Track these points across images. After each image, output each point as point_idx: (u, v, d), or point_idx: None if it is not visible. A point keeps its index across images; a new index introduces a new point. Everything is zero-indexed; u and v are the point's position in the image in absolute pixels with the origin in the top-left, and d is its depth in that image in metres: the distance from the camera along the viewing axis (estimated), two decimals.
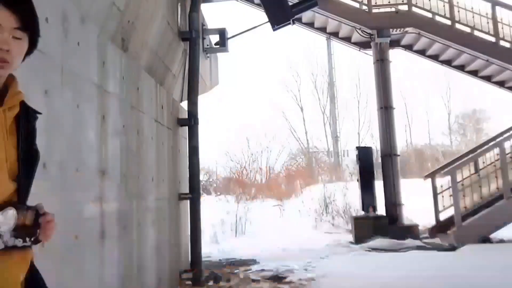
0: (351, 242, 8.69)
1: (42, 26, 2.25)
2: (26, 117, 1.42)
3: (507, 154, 8.30)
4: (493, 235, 8.00)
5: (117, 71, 3.29)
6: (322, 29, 10.38)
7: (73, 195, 2.48)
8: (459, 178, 8.23)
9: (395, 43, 9.99)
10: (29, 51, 1.37)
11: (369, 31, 9.51)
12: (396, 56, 10.78)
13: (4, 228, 1.23)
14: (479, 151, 8.95)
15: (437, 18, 9.43)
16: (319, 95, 27.20)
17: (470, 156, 8.87)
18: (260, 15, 8.97)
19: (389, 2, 9.50)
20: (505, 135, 8.86)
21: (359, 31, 9.66)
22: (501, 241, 8.00)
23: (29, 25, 1.34)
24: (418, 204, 10.04)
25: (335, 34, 10.51)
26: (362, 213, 9.29)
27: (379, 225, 8.79)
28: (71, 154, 2.48)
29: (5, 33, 1.28)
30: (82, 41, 2.69)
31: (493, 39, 9.40)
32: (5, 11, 1.28)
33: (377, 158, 13.06)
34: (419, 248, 7.74)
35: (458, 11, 9.44)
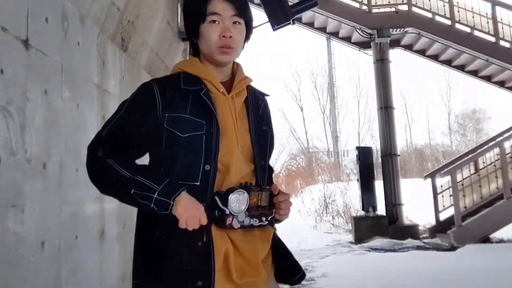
0: (351, 242, 8.69)
1: (42, 26, 2.26)
2: (254, 101, 1.49)
3: (507, 154, 8.30)
4: (493, 235, 8.01)
5: (117, 71, 3.29)
6: (322, 29, 10.38)
7: (73, 195, 2.48)
8: (459, 178, 8.23)
9: (395, 43, 9.99)
10: (247, 37, 1.47)
11: (369, 31, 9.51)
12: (396, 56, 10.78)
13: (237, 209, 1.29)
14: (479, 151, 8.95)
15: (437, 18, 9.43)
16: (319, 95, 27.23)
17: (470, 156, 8.86)
18: (260, 15, 8.98)
19: (389, 2, 9.50)
20: (505, 135, 8.86)
21: (359, 31, 9.66)
22: (501, 241, 8.01)
23: (244, 11, 1.42)
24: (418, 204, 10.03)
25: (335, 34, 10.51)
26: (362, 213, 9.29)
27: (379, 225, 8.79)
28: (71, 154, 2.48)
29: (226, 21, 1.39)
30: (82, 41, 2.69)
31: (493, 39, 9.40)
32: (224, 3, 1.39)
33: (377, 158, 13.07)
34: (419, 248, 7.74)
35: (458, 11, 9.44)
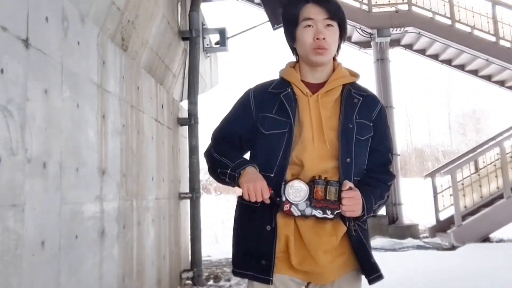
0: None
1: (42, 26, 2.26)
2: (348, 99, 1.56)
3: (507, 153, 8.30)
4: (493, 235, 8.01)
5: (117, 71, 3.29)
6: None
7: (73, 194, 2.48)
8: (459, 177, 8.24)
9: (395, 43, 9.99)
10: (341, 37, 1.60)
11: (369, 30, 9.51)
12: (396, 55, 10.78)
13: (293, 198, 1.43)
14: (479, 150, 8.96)
15: (437, 17, 9.44)
16: None
17: (470, 155, 8.87)
18: (260, 15, 8.98)
19: (389, 1, 9.50)
20: (505, 135, 8.86)
21: (359, 31, 9.66)
22: (501, 240, 8.01)
23: (335, 14, 1.56)
24: (418, 203, 10.04)
25: None
26: None
27: (379, 225, 8.80)
28: (71, 154, 2.48)
29: (319, 24, 1.52)
30: (82, 41, 2.69)
31: (493, 39, 9.40)
32: (316, 7, 1.53)
33: None
34: (419, 247, 7.74)
35: (458, 11, 9.44)
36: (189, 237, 5.24)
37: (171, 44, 4.95)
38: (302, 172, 1.48)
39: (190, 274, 5.02)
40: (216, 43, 6.57)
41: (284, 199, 1.44)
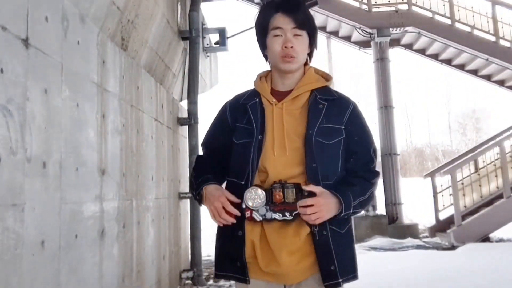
0: None
1: (42, 25, 2.26)
2: (315, 105, 1.59)
3: (507, 153, 8.30)
4: (493, 234, 8.01)
5: (117, 70, 3.29)
6: (322, 28, 10.38)
7: (73, 194, 2.48)
8: (459, 177, 8.23)
9: (395, 42, 9.99)
10: (312, 45, 1.64)
11: (369, 30, 9.51)
12: (396, 55, 10.78)
13: (252, 204, 1.50)
14: (479, 150, 8.95)
15: (437, 17, 9.43)
16: None
17: (470, 155, 8.86)
18: None
19: (389, 1, 9.50)
20: (505, 134, 8.86)
21: (359, 30, 9.66)
22: (501, 240, 8.01)
23: (304, 24, 1.58)
24: (418, 203, 10.04)
25: (335, 33, 10.51)
26: (362, 212, 9.28)
27: (379, 224, 8.79)
28: (71, 153, 2.48)
29: (288, 33, 1.56)
30: (82, 40, 2.69)
31: (493, 39, 9.40)
32: (285, 17, 1.57)
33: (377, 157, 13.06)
34: (418, 247, 7.75)
35: (458, 11, 9.44)
36: (189, 237, 5.24)
37: (171, 43, 4.95)
38: (268, 179, 1.54)
39: (190, 274, 5.02)
40: (216, 43, 6.57)
41: (244, 206, 1.51)
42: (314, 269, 1.54)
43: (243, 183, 1.55)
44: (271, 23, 1.58)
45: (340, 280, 1.53)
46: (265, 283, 1.57)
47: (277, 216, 1.49)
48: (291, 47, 1.55)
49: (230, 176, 1.62)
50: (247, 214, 1.50)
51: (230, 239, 1.58)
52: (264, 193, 1.49)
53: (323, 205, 1.46)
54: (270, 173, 1.54)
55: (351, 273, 1.57)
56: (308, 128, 1.54)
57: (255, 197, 1.49)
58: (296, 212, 1.48)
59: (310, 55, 1.66)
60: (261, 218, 1.50)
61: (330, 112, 1.58)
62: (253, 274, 1.57)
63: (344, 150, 1.59)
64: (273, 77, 1.66)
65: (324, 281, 1.53)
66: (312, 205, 1.46)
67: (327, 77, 1.66)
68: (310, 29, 1.61)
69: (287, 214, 1.48)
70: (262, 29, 1.62)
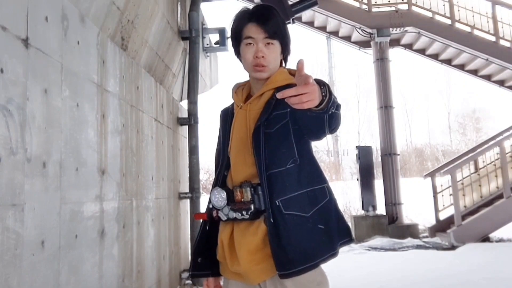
0: None
1: (42, 25, 2.26)
2: (268, 103, 1.59)
3: (507, 153, 8.30)
4: (493, 234, 8.01)
5: (117, 70, 3.29)
6: (322, 28, 10.38)
7: (73, 194, 2.48)
8: (459, 177, 8.24)
9: (395, 42, 9.99)
10: (284, 52, 1.65)
11: (369, 30, 9.51)
12: (396, 55, 10.78)
13: (216, 204, 1.56)
14: (479, 150, 8.95)
15: (437, 17, 9.44)
16: None
17: (470, 155, 8.86)
18: None
19: (389, 1, 9.50)
20: (505, 134, 8.86)
21: (359, 30, 9.66)
22: (501, 240, 8.01)
23: (275, 33, 1.60)
24: (418, 203, 10.04)
25: (335, 33, 10.51)
26: (362, 212, 9.29)
27: (379, 224, 8.80)
28: (71, 153, 2.48)
29: (260, 43, 1.59)
30: (81, 40, 2.69)
31: (493, 39, 9.40)
32: (257, 27, 1.58)
33: (377, 157, 13.06)
34: (418, 247, 7.75)
35: (458, 11, 9.45)
36: (189, 237, 5.24)
37: (171, 43, 4.95)
38: (233, 181, 1.60)
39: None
40: (216, 43, 6.57)
41: (211, 206, 1.58)
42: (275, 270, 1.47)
43: (219, 186, 1.62)
44: (243, 32, 1.61)
45: (294, 270, 1.43)
46: (241, 284, 1.57)
47: (237, 215, 1.52)
48: (262, 56, 1.58)
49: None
50: (214, 213, 1.57)
51: (215, 240, 1.66)
52: (226, 194, 1.55)
53: (317, 91, 1.26)
54: (233, 175, 1.61)
55: (310, 261, 1.45)
56: (256, 124, 1.55)
57: (218, 197, 1.56)
58: (251, 210, 1.50)
59: (285, 59, 1.68)
60: (225, 218, 1.55)
61: (279, 102, 1.49)
62: (224, 273, 1.62)
63: (294, 128, 1.52)
64: (251, 82, 1.70)
65: (277, 270, 1.45)
66: (307, 93, 1.22)
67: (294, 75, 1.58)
68: (282, 38, 1.62)
69: (244, 212, 1.51)
70: (236, 38, 1.65)
